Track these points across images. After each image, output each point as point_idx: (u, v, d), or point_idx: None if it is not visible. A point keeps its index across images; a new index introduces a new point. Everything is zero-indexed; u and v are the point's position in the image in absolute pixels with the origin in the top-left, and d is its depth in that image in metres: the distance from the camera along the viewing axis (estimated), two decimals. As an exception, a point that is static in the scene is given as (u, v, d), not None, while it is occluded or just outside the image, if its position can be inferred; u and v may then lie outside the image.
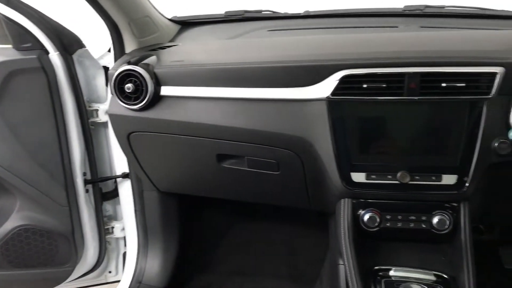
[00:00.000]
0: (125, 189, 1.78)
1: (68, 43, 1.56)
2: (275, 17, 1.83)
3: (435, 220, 1.29)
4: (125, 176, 1.75)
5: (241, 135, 1.36)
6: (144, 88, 1.36)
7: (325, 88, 1.25)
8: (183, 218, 1.91)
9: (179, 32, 1.80)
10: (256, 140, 1.36)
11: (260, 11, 1.84)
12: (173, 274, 1.87)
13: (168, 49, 1.54)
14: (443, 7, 1.74)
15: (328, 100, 1.26)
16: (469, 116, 1.23)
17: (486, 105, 1.21)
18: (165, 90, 1.39)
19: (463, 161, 1.25)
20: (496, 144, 1.21)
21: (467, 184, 1.25)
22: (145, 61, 1.40)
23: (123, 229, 1.86)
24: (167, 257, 1.87)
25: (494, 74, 1.18)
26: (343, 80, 1.23)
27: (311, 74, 1.27)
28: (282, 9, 1.88)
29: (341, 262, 1.38)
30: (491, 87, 1.19)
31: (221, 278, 1.99)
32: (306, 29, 1.73)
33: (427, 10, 1.72)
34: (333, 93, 1.24)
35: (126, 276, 1.85)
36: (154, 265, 1.85)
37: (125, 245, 1.90)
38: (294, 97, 1.29)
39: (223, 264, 2.05)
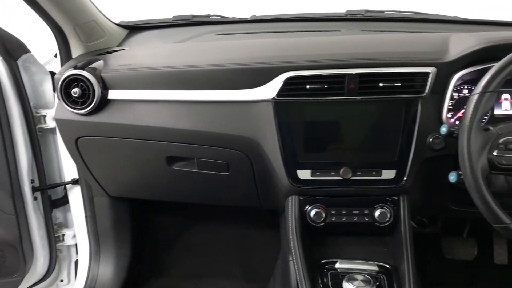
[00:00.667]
0: (75, 196, 1.75)
1: (12, 49, 1.53)
2: (222, 21, 1.86)
3: (377, 213, 1.36)
4: (74, 182, 1.73)
5: (190, 137, 1.38)
6: (91, 93, 1.36)
7: (270, 89, 1.30)
8: (136, 222, 1.91)
9: (127, 37, 1.80)
10: (205, 142, 1.38)
11: (208, 16, 1.87)
12: (127, 279, 1.86)
13: (115, 53, 1.54)
14: (382, 11, 1.83)
15: (273, 101, 1.30)
16: (405, 114, 1.30)
17: (421, 103, 1.29)
18: (112, 94, 1.39)
19: (401, 157, 1.32)
20: (431, 140, 1.29)
21: (405, 178, 1.33)
22: (92, 65, 1.40)
23: (74, 236, 1.83)
24: (121, 262, 1.86)
25: (427, 74, 1.26)
26: (287, 81, 1.28)
27: (257, 76, 1.31)
28: (231, 14, 1.92)
29: (291, 258, 1.42)
30: (424, 86, 1.27)
31: (177, 281, 2.00)
32: (253, 33, 1.78)
33: (368, 14, 1.80)
34: (278, 94, 1.29)
35: (78, 284, 1.82)
36: (107, 271, 1.83)
37: (76, 252, 1.87)
38: (241, 99, 1.33)
39: (178, 267, 2.06)
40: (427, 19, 1.79)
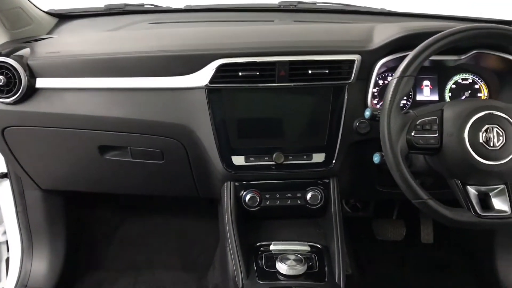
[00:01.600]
0: (4, 190, 1.69)
1: None
2: (156, 10, 1.85)
3: (309, 195, 1.41)
4: (3, 176, 1.66)
5: (123, 125, 1.37)
6: (17, 81, 1.31)
7: (203, 76, 1.31)
8: (71, 216, 1.86)
9: (57, 26, 1.74)
10: (138, 130, 1.38)
11: (141, 5, 1.85)
12: (62, 275, 1.81)
13: (43, 41, 1.50)
14: (314, 3, 1.89)
15: (206, 88, 1.32)
16: (333, 100, 1.36)
17: (348, 90, 1.35)
18: (40, 82, 1.35)
19: (330, 141, 1.38)
20: (357, 124, 1.36)
21: (334, 161, 1.39)
22: (18, 52, 1.35)
23: (4, 232, 1.76)
24: (55, 258, 1.81)
25: (352, 61, 1.33)
26: (219, 68, 1.30)
27: (190, 63, 1.32)
28: (165, 3, 1.91)
29: (228, 244, 1.45)
30: (350, 73, 1.33)
31: (115, 274, 1.97)
32: (187, 22, 1.78)
33: (300, 6, 1.85)
34: (211, 81, 1.31)
35: (10, 281, 1.76)
36: (41, 267, 1.78)
37: (8, 250, 1.80)
38: (174, 86, 1.33)
39: (117, 260, 2.03)
40: (356, 11, 1.87)
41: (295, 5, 1.85)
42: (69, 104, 1.36)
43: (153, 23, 1.75)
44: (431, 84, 1.48)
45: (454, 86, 1.47)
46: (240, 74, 1.30)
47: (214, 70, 1.30)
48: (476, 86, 1.47)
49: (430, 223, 2.05)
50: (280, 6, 1.86)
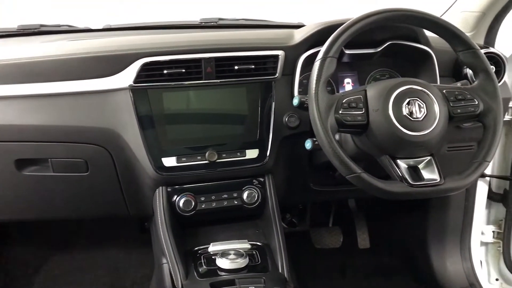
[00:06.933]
0: None
1: None
2: (73, 30, 1.80)
3: (245, 195, 1.38)
4: None
5: (42, 133, 1.28)
6: None
7: (127, 77, 1.27)
8: None
9: None
10: (60, 138, 1.29)
11: (58, 25, 1.79)
12: None
13: None
14: (235, 19, 1.94)
15: (131, 89, 1.27)
16: (262, 96, 1.37)
17: (275, 85, 1.37)
18: None
19: (262, 136, 1.37)
20: (286, 119, 1.37)
21: (267, 157, 1.38)
22: None
23: None
24: None
25: (276, 57, 1.36)
26: (143, 67, 1.27)
27: (111, 63, 1.27)
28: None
29: (164, 261, 1.36)
30: (276, 68, 1.36)
31: None
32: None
33: (221, 22, 1.89)
34: (135, 81, 1.27)
35: None
36: None
37: None
38: (95, 89, 1.28)
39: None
40: (276, 25, 1.93)
41: (216, 22, 1.88)
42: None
43: (71, 40, 1.69)
44: (352, 81, 1.54)
45: (373, 81, 1.54)
46: (165, 72, 1.28)
47: (138, 69, 1.26)
48: None
49: (366, 229, 2.08)
50: (201, 23, 1.88)
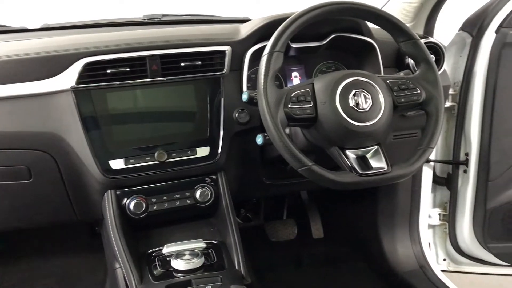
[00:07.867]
0: None
1: None
2: (8, 31, 1.71)
3: (198, 193, 1.36)
4: None
5: None
6: None
7: (68, 78, 1.22)
8: None
9: None
10: None
11: (-11, 26, 1.70)
12: None
13: None
14: (179, 15, 1.90)
15: (73, 90, 1.22)
16: (210, 92, 1.35)
17: (223, 81, 1.36)
18: None
19: (212, 133, 1.36)
20: (237, 115, 1.36)
21: (219, 153, 1.36)
22: None
23: None
24: None
25: (223, 52, 1.34)
26: (85, 68, 1.22)
27: (51, 65, 1.22)
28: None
29: (117, 266, 1.33)
30: (223, 64, 1.35)
31: None
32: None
33: (165, 18, 1.85)
34: (77, 82, 1.22)
35: None
36: None
37: None
38: (35, 92, 1.22)
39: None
40: (221, 20, 1.91)
41: (159, 18, 1.84)
42: None
43: (6, 41, 1.61)
44: (299, 75, 1.55)
45: (319, 74, 1.56)
46: (108, 71, 1.23)
47: (80, 70, 1.22)
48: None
49: (319, 219, 2.11)
50: (144, 19, 1.84)
